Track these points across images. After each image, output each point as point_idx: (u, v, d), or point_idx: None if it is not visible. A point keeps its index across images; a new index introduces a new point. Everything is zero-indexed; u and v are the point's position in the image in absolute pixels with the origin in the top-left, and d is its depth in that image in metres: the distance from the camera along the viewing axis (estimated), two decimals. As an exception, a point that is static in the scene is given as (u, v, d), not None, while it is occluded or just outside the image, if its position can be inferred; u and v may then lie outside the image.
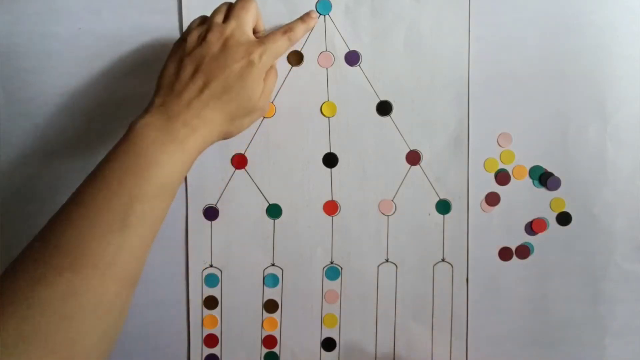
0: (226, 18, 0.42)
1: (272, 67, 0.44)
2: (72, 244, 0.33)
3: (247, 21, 0.41)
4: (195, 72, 0.39)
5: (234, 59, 0.39)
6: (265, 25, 0.48)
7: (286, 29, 0.44)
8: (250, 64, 0.40)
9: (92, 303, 0.33)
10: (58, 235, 0.34)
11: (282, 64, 0.49)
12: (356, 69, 0.49)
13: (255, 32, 0.44)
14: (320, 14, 0.48)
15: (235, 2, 0.43)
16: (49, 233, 0.34)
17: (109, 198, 0.35)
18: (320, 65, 0.49)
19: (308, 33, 0.48)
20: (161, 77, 0.40)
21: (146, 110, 0.38)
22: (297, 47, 0.49)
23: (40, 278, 0.32)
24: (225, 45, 0.40)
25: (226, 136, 0.42)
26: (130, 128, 0.37)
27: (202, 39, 0.40)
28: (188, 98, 0.38)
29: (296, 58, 0.49)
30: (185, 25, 0.48)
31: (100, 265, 0.34)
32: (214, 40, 0.40)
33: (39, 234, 0.35)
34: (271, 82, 0.44)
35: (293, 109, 0.49)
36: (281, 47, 0.43)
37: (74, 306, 0.32)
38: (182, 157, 0.38)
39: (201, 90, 0.39)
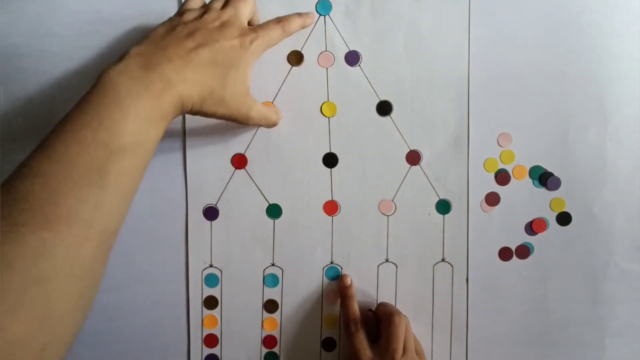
0: (224, 7, 0.42)
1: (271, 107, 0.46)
2: (44, 200, 0.30)
3: (243, 11, 0.42)
4: (188, 36, 0.38)
5: (226, 37, 0.39)
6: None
7: (281, 19, 0.43)
8: (242, 45, 0.40)
9: (68, 265, 0.31)
10: (28, 190, 0.31)
11: (282, 64, 0.49)
12: (356, 69, 0.49)
13: (250, 24, 0.45)
14: (320, 15, 0.48)
15: None
16: (16, 187, 0.31)
17: (84, 151, 0.32)
18: (321, 66, 0.49)
19: (308, 33, 0.48)
20: (144, 39, 0.38)
21: (120, 58, 0.36)
22: (297, 47, 0.49)
23: (7, 236, 0.29)
24: (221, 25, 0.40)
25: (202, 109, 0.39)
26: (103, 76, 0.35)
27: (200, 17, 0.40)
28: (172, 53, 0.37)
29: (296, 58, 0.49)
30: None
31: (77, 223, 0.31)
32: (210, 20, 0.40)
33: (2, 186, 0.31)
34: (265, 109, 0.44)
35: (293, 109, 0.49)
36: (274, 37, 0.42)
37: (47, 267, 0.30)
38: (158, 112, 0.35)
39: (188, 52, 0.37)
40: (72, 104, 0.49)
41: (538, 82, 0.49)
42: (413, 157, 0.49)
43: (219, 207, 0.50)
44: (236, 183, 0.50)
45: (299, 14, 0.45)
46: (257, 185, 0.50)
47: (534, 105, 0.49)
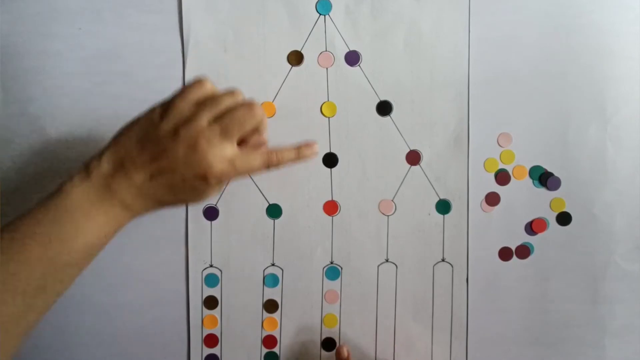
0: (219, 119, 0.37)
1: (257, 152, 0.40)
2: None
3: (233, 136, 0.37)
4: (152, 160, 0.36)
5: (192, 169, 0.36)
6: (265, 27, 0.48)
7: (271, 153, 0.40)
8: (204, 179, 0.37)
9: None
10: None
11: (282, 64, 0.49)
12: (356, 69, 0.49)
13: (252, 133, 0.40)
14: (320, 14, 0.48)
15: (236, 109, 0.37)
16: None
17: (28, 267, 0.33)
18: (321, 65, 0.49)
19: (308, 33, 0.48)
20: (116, 145, 0.37)
21: (87, 172, 0.36)
22: (297, 47, 0.49)
23: None
24: (191, 151, 0.36)
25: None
26: (64, 190, 0.35)
27: (177, 130, 0.36)
28: (133, 181, 0.36)
29: (296, 58, 0.49)
30: (186, 26, 0.48)
31: (1, 327, 0.33)
32: (184, 139, 0.36)
33: None
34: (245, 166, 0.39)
35: (293, 109, 0.49)
36: (252, 169, 0.39)
37: None
38: (109, 229, 0.37)
39: (146, 180, 0.36)
40: (71, 104, 0.49)
41: (538, 82, 0.49)
42: (413, 157, 0.49)
43: (219, 207, 0.50)
44: (236, 183, 0.50)
45: (297, 149, 0.41)
46: (257, 185, 0.50)
47: (534, 105, 0.49)
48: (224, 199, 0.50)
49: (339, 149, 0.49)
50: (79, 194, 0.35)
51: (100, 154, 0.37)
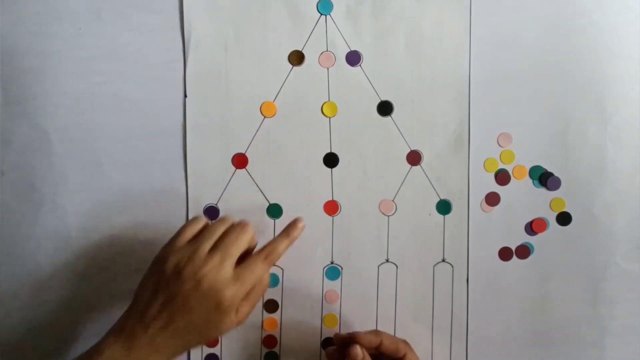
0: (214, 247, 0.40)
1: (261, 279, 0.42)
2: None
3: (232, 256, 0.40)
4: (163, 306, 0.38)
5: (202, 303, 0.38)
6: (266, 26, 0.48)
7: (267, 252, 0.42)
8: (218, 307, 0.38)
9: None
10: None
11: (283, 63, 0.49)
12: (357, 69, 0.49)
13: (247, 250, 0.43)
14: (321, 14, 0.48)
15: (229, 232, 0.41)
16: None
17: None
18: (322, 65, 0.49)
19: (309, 33, 0.48)
20: (137, 297, 0.40)
21: (118, 332, 0.38)
22: (298, 47, 0.49)
23: None
24: (198, 285, 0.38)
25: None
26: (98, 351, 0.37)
27: (179, 271, 0.39)
28: (153, 332, 0.38)
29: (297, 58, 0.49)
30: (187, 26, 0.48)
31: None
32: (188, 277, 0.38)
33: None
34: (254, 298, 0.42)
35: (294, 109, 0.49)
36: (259, 275, 0.41)
37: None
38: None
39: (164, 328, 0.38)
40: (71, 104, 0.48)
41: (538, 82, 0.49)
42: (413, 157, 0.50)
43: (220, 207, 0.50)
44: (237, 183, 0.49)
45: (286, 232, 0.44)
46: (258, 185, 0.50)
47: (534, 105, 0.49)
48: (224, 198, 0.50)
49: (339, 149, 0.49)
50: (111, 353, 0.37)
51: (124, 316, 0.39)
